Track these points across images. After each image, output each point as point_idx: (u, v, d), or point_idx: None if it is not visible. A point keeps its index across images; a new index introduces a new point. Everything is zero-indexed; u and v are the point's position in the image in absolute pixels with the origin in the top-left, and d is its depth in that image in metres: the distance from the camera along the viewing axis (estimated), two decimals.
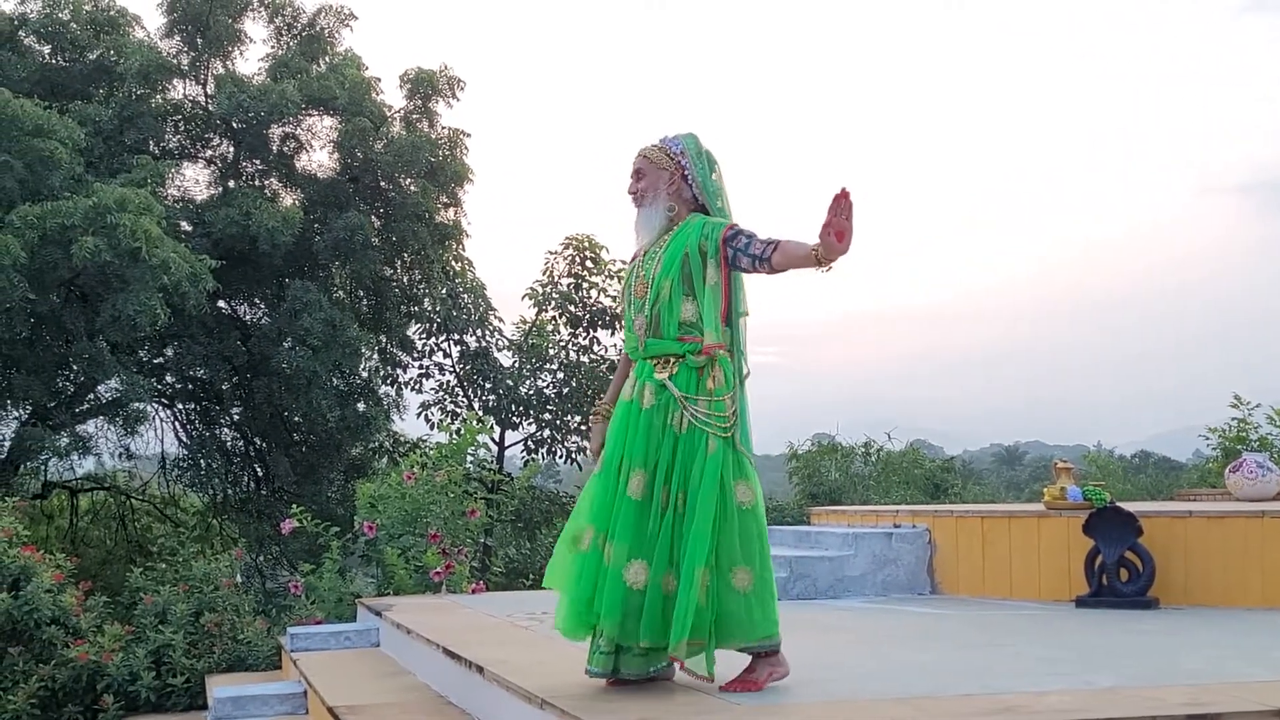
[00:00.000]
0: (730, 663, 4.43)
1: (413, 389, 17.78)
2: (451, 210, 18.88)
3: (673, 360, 4.43)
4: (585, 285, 16.83)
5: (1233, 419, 12.99)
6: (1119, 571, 7.33)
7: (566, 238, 16.96)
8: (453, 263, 18.95)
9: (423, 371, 17.54)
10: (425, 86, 18.34)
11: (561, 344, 16.90)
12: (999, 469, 49.83)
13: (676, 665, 4.41)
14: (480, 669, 5.10)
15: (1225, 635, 6.06)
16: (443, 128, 18.57)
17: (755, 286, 4.62)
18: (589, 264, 16.83)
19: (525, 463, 15.62)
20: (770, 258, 4.33)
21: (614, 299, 16.78)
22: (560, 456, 17.00)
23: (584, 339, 16.92)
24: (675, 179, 4.57)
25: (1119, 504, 7.86)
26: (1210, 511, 7.70)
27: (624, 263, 16.79)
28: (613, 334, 16.91)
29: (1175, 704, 4.01)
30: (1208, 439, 13.50)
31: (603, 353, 16.90)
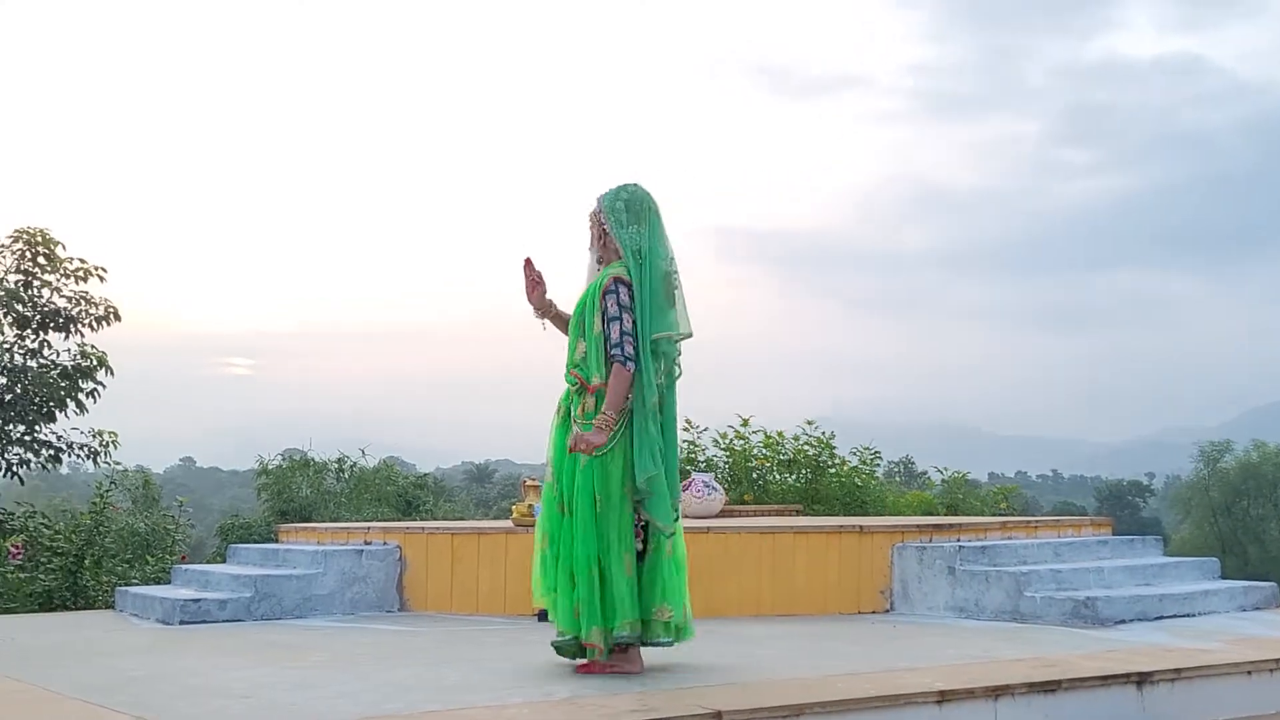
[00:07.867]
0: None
1: None
2: None
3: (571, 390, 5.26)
4: (37, 283, 15.41)
5: (684, 441, 13.86)
6: None
7: (15, 230, 15.43)
8: None
9: None
10: None
11: (6, 346, 15.35)
12: (470, 486, 51.00)
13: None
14: None
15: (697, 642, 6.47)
16: None
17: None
18: (41, 260, 15.42)
19: None
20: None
21: (69, 299, 15.48)
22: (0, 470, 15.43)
23: (33, 342, 15.46)
24: (598, 232, 5.26)
25: None
26: None
27: (82, 261, 15.58)
28: (66, 337, 15.57)
29: (624, 710, 4.25)
30: None
31: (54, 357, 15.53)
